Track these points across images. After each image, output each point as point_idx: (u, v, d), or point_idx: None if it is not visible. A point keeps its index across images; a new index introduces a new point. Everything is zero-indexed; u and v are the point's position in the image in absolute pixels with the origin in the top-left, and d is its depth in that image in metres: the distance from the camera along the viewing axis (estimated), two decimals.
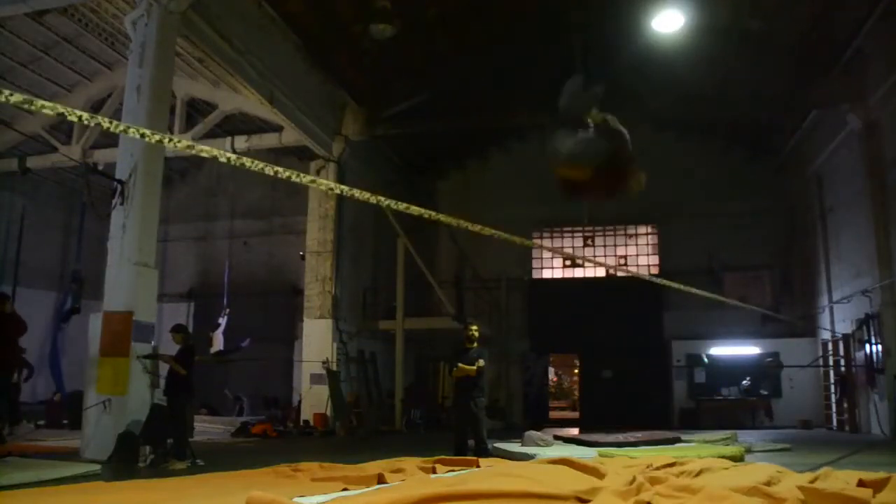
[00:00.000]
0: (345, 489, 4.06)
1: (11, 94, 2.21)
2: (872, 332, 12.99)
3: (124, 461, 7.45)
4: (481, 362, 7.86)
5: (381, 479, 4.46)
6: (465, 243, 19.27)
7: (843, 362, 15.00)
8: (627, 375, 18.16)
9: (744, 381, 17.27)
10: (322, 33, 13.30)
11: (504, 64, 15.17)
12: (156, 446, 7.61)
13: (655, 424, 13.51)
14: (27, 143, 14.98)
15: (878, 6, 11.60)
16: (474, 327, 8.20)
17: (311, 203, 15.13)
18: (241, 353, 14.83)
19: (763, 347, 17.41)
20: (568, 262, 19.62)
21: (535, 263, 19.39)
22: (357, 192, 4.04)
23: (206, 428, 13.61)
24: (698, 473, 4.53)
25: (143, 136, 3.02)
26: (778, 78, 14.32)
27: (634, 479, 3.92)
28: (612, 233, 19.64)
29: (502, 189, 18.44)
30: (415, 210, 4.27)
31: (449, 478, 4.67)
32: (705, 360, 17.64)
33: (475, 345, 8.08)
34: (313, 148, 14.72)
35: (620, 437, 9.18)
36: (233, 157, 3.26)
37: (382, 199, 4.22)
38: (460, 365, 7.85)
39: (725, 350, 17.75)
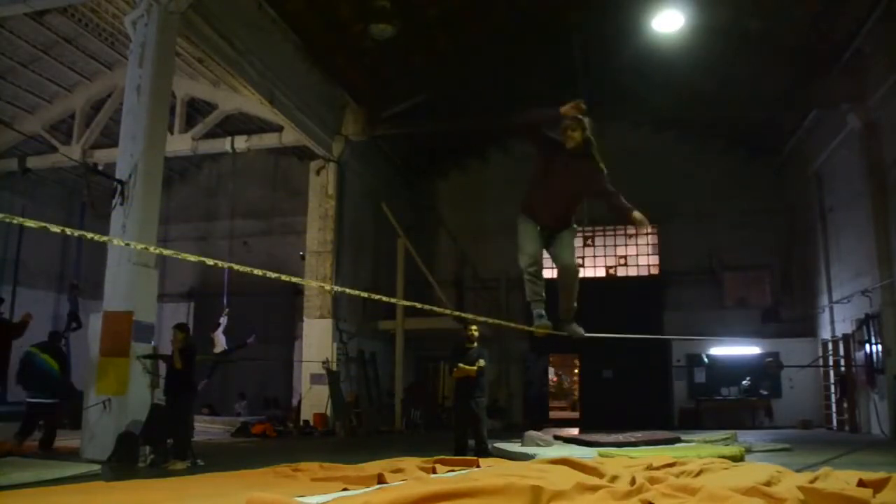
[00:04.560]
0: (345, 489, 4.06)
1: None
2: (872, 333, 12.98)
3: (124, 461, 7.44)
4: (482, 362, 7.88)
5: (381, 479, 4.46)
6: (465, 243, 19.28)
7: (843, 362, 15.00)
8: (627, 375, 18.16)
9: (744, 381, 17.28)
10: (322, 33, 13.30)
11: (504, 64, 15.18)
12: (156, 446, 7.60)
13: (655, 424, 13.52)
14: (27, 143, 14.99)
15: (878, 6, 11.61)
16: (474, 327, 8.22)
17: (311, 203, 15.13)
18: (241, 353, 14.83)
19: (763, 347, 17.39)
20: None
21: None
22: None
23: (206, 428, 13.61)
24: (698, 473, 4.54)
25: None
26: (778, 78, 14.33)
27: (634, 478, 3.92)
28: (612, 233, 19.64)
29: (502, 189, 18.43)
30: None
31: (449, 478, 4.67)
32: (705, 360, 17.64)
33: (475, 345, 8.10)
34: (313, 148, 14.73)
35: (620, 437, 9.18)
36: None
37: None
38: (460, 365, 7.87)
39: (725, 350, 17.76)
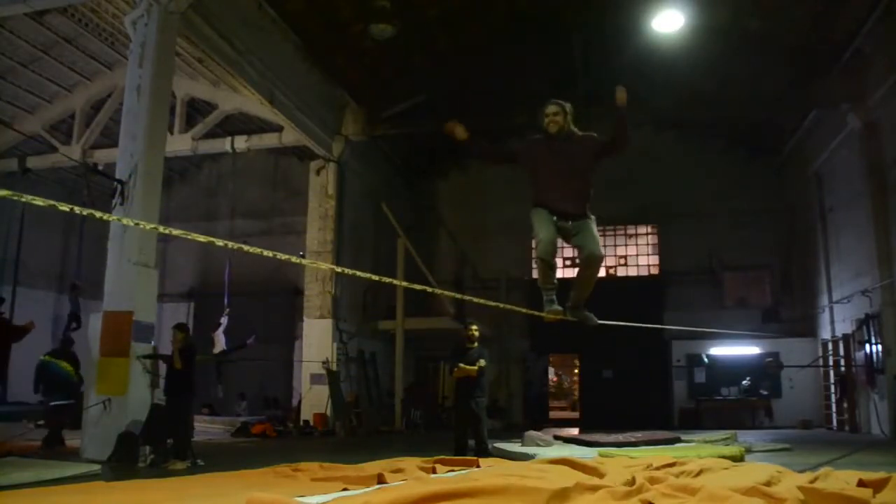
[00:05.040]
0: (345, 489, 4.06)
1: None
2: (872, 332, 12.98)
3: (124, 461, 7.45)
4: (482, 362, 7.87)
5: (381, 479, 4.46)
6: (465, 243, 19.28)
7: (843, 362, 15.00)
8: (627, 375, 18.16)
9: (744, 381, 17.28)
10: (322, 33, 13.29)
11: (504, 64, 15.17)
12: (156, 446, 7.60)
13: (655, 424, 13.52)
14: (27, 143, 14.99)
15: (878, 6, 11.61)
16: (474, 327, 8.21)
17: (311, 203, 15.13)
18: (241, 354, 14.82)
19: (763, 347, 17.41)
20: (568, 263, 19.65)
21: (535, 264, 19.37)
22: None
23: (206, 428, 13.61)
24: (698, 473, 4.53)
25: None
26: (778, 78, 14.33)
27: (634, 478, 3.92)
28: (612, 233, 19.65)
29: (502, 189, 18.44)
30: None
31: (449, 478, 4.67)
32: (705, 360, 17.64)
33: (475, 345, 8.09)
34: (313, 148, 14.73)
35: (620, 437, 9.18)
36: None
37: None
38: (461, 365, 7.86)
39: (725, 350, 17.76)
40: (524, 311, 5.64)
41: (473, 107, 15.46)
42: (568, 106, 4.74)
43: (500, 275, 18.87)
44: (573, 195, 4.78)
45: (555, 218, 4.73)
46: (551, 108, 4.72)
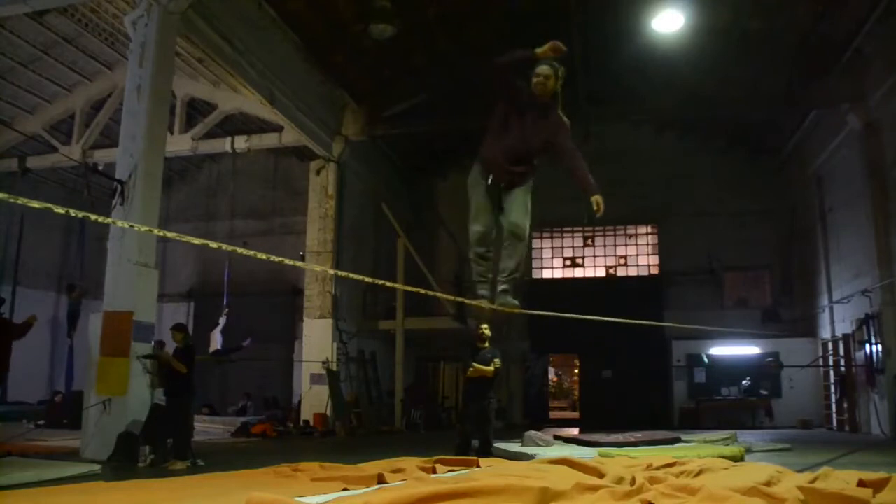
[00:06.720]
0: (345, 489, 4.06)
1: None
2: (872, 332, 12.98)
3: (124, 461, 7.45)
4: (497, 362, 7.83)
5: (381, 479, 4.46)
6: (465, 243, 19.27)
7: (843, 362, 15.00)
8: (627, 375, 18.17)
9: (744, 381, 17.28)
10: (322, 33, 13.29)
11: None
12: (156, 446, 7.60)
13: (655, 424, 13.53)
14: (27, 143, 14.98)
15: (878, 6, 11.61)
16: (485, 326, 8.12)
17: (311, 203, 15.13)
18: (240, 353, 14.82)
19: (763, 347, 17.41)
20: (568, 263, 19.67)
21: (535, 264, 19.38)
22: None
23: (206, 428, 13.61)
24: (698, 473, 4.54)
25: None
26: (778, 78, 14.33)
27: (634, 478, 3.92)
28: (612, 233, 19.64)
29: None
30: None
31: (449, 478, 4.68)
32: (705, 360, 17.65)
33: (487, 345, 8.04)
34: (313, 148, 14.73)
35: (620, 437, 9.18)
36: None
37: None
38: (476, 365, 7.81)
39: (725, 350, 17.76)
40: (455, 298, 5.26)
41: (473, 107, 15.42)
42: (561, 70, 4.46)
43: None
44: (523, 166, 4.53)
45: (491, 183, 4.52)
46: (544, 69, 4.39)
